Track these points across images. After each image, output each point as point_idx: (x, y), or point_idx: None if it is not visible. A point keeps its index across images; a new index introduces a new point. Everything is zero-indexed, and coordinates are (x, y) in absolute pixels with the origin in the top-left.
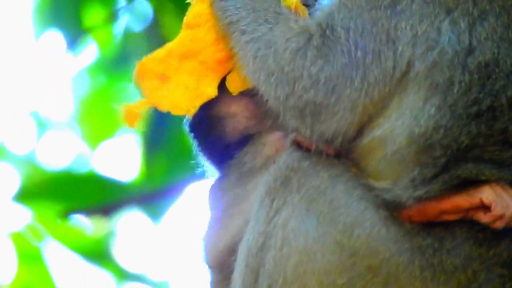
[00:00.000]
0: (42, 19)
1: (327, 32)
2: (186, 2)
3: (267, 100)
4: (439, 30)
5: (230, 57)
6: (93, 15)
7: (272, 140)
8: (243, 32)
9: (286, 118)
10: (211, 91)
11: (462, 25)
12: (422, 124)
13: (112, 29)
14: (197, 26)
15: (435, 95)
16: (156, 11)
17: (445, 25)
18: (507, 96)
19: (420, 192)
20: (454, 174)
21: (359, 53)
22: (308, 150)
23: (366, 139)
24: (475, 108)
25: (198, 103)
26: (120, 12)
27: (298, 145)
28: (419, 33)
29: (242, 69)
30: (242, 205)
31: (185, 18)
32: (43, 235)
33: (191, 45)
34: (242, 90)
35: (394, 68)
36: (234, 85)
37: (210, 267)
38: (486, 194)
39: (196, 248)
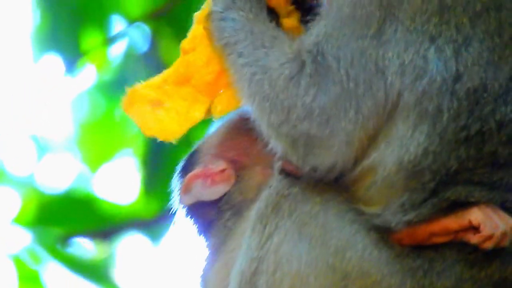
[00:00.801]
0: (40, 43)
1: (319, 58)
2: (183, 25)
3: (259, 125)
4: (425, 58)
5: (219, 79)
6: (91, 39)
7: (258, 171)
8: (240, 55)
9: (278, 145)
10: (199, 115)
11: (448, 52)
12: (411, 151)
13: (110, 52)
14: (191, 50)
15: (424, 123)
16: (155, 34)
17: (431, 53)
18: (496, 119)
19: (409, 216)
20: (443, 196)
21: (351, 84)
22: (296, 177)
23: (356, 169)
24: (464, 133)
25: (186, 127)
26: (118, 36)
27: (285, 173)
28: (406, 62)
29: (237, 91)
30: (239, 239)
31: (181, 43)
32: (42, 258)
33: (185, 70)
34: (224, 114)
35: (386, 99)
36: (220, 109)
37: None
38: (475, 215)
39: (195, 275)
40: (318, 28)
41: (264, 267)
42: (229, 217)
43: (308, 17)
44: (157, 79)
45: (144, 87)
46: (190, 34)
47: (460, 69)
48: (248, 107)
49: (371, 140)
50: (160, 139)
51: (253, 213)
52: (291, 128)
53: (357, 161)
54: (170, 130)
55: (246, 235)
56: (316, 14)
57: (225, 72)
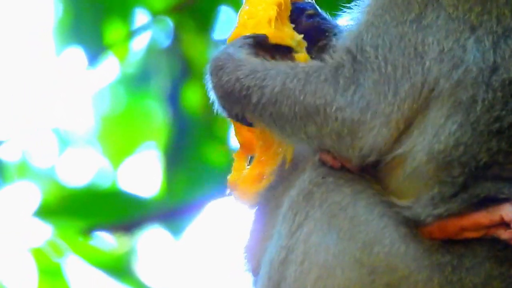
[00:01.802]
0: (63, 36)
1: (358, 57)
2: (206, 19)
3: (303, 147)
4: (464, 48)
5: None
6: (114, 32)
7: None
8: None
9: (324, 148)
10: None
11: (487, 43)
12: (443, 141)
13: (132, 46)
14: None
15: (458, 113)
16: (177, 28)
17: (470, 43)
18: None
19: (439, 210)
20: (473, 193)
21: (389, 68)
22: (332, 168)
23: (389, 157)
24: (497, 125)
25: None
26: (141, 29)
27: (323, 164)
28: (445, 50)
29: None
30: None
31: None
32: (64, 250)
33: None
34: None
35: (422, 84)
36: None
37: (254, 274)
38: (506, 211)
39: (234, 258)
40: (358, 20)
41: (293, 257)
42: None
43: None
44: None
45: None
46: None
47: (497, 60)
48: (281, 138)
49: (407, 125)
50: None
51: (285, 200)
52: (333, 122)
53: (393, 145)
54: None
55: (278, 223)
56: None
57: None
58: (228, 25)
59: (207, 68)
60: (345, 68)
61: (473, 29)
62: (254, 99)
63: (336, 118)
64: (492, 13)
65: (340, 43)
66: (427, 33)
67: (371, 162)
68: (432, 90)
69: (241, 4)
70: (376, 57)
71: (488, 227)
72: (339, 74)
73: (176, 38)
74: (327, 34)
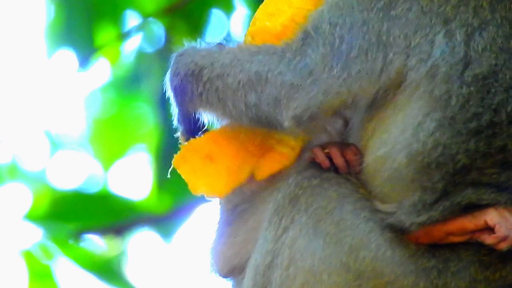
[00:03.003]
0: (54, 38)
1: (311, 33)
2: (198, 21)
3: (242, 122)
4: (432, 43)
5: (266, 140)
6: (105, 34)
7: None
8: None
9: (262, 118)
10: (245, 175)
11: (458, 37)
12: (422, 140)
13: (123, 49)
14: None
15: (435, 110)
16: (169, 30)
17: (439, 38)
18: (507, 111)
19: (422, 218)
20: (454, 200)
21: (343, 46)
22: (321, 167)
23: (371, 157)
24: (474, 123)
25: (233, 186)
26: (132, 31)
27: (313, 162)
28: (412, 45)
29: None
30: (253, 216)
31: None
32: (54, 253)
33: (236, 129)
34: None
35: (381, 70)
36: (262, 173)
37: (221, 275)
38: (491, 216)
39: (205, 261)
40: (320, 9)
41: (279, 261)
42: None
43: None
44: (211, 133)
45: (196, 142)
46: None
47: (470, 54)
48: (230, 122)
49: (386, 124)
50: (206, 195)
51: (270, 204)
52: (272, 86)
53: (371, 147)
54: (218, 187)
55: (263, 227)
56: None
57: (271, 134)
58: (219, 28)
59: (170, 63)
60: (295, 43)
61: (445, 23)
62: (205, 77)
63: (275, 82)
64: (470, 4)
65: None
66: (394, 24)
67: (304, 124)
68: (398, 82)
69: (233, 7)
70: (331, 34)
71: (473, 231)
72: (287, 49)
73: (168, 41)
74: None
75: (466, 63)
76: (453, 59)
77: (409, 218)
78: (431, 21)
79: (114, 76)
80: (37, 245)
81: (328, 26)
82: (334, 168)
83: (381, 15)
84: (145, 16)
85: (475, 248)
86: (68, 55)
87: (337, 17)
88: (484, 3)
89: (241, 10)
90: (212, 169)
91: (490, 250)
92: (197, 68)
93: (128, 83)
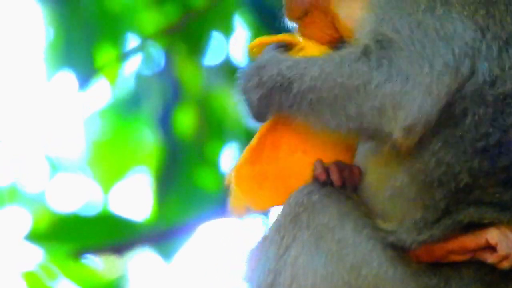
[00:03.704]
0: (54, 59)
1: (381, 39)
2: (198, 42)
3: (342, 131)
4: (480, 52)
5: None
6: (105, 55)
7: None
8: (288, 107)
9: (367, 128)
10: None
11: (495, 51)
12: (425, 159)
13: (123, 70)
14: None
15: (445, 128)
16: (169, 51)
17: (484, 48)
18: None
19: (423, 236)
20: (456, 218)
21: (417, 46)
22: (324, 184)
23: (373, 176)
24: (482, 143)
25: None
26: (132, 52)
27: (316, 179)
28: (469, 43)
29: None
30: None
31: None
32: (56, 274)
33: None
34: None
35: (456, 67)
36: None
37: None
38: (492, 234)
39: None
40: (368, 20)
41: (281, 279)
42: None
43: None
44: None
45: (246, 163)
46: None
47: (497, 72)
48: (316, 128)
49: (448, 101)
50: (264, 209)
51: (272, 225)
52: (374, 98)
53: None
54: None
55: (264, 246)
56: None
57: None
58: (219, 50)
59: (242, 74)
60: (372, 47)
61: (483, 32)
62: (295, 88)
63: (377, 95)
64: (496, 17)
65: (357, 39)
66: (444, 22)
67: (415, 138)
68: (468, 77)
69: (232, 29)
70: (400, 38)
71: (475, 250)
72: (369, 53)
73: (168, 62)
74: None
75: (493, 81)
76: (488, 77)
77: (410, 236)
78: (473, 26)
79: (114, 98)
80: (39, 266)
81: (392, 32)
82: (331, 184)
83: (428, 15)
84: (145, 37)
85: (476, 267)
86: (68, 77)
87: (393, 24)
88: (508, 18)
89: (240, 32)
90: (267, 185)
91: (492, 268)
92: (285, 80)
93: (128, 105)
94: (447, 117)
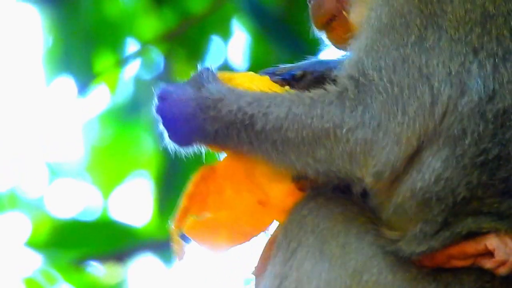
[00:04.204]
0: (53, 65)
1: (361, 80)
2: (197, 48)
3: (308, 172)
4: (469, 73)
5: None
6: (104, 61)
7: None
8: (249, 147)
9: (335, 171)
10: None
11: (488, 67)
12: (426, 178)
13: (122, 76)
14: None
15: (445, 147)
16: (168, 57)
17: (475, 67)
18: None
19: (422, 247)
20: (454, 230)
21: (395, 89)
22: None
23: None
24: (481, 158)
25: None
26: (131, 58)
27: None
28: (452, 72)
29: (269, 164)
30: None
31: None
32: (56, 280)
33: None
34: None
35: (432, 103)
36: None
37: None
38: (491, 240)
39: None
40: (356, 46)
41: (287, 284)
42: None
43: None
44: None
45: (189, 211)
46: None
47: (495, 87)
48: (286, 168)
49: (421, 143)
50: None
51: (279, 233)
52: (345, 143)
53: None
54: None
55: (273, 251)
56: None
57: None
58: (217, 55)
59: (189, 108)
60: (349, 91)
61: (475, 52)
62: (258, 126)
63: (348, 140)
64: (492, 34)
65: (340, 71)
66: (430, 55)
67: (385, 183)
68: (450, 113)
69: (231, 33)
70: (381, 79)
71: (474, 256)
72: (344, 97)
73: (167, 67)
74: (325, 79)
75: (491, 98)
76: (484, 93)
77: (409, 247)
78: (463, 49)
79: (113, 103)
80: (39, 272)
81: (374, 71)
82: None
83: (416, 49)
84: (144, 43)
85: (477, 274)
86: (67, 82)
87: (377, 60)
88: (505, 31)
89: (239, 36)
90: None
91: (493, 276)
92: (247, 117)
93: (127, 110)
94: (447, 138)
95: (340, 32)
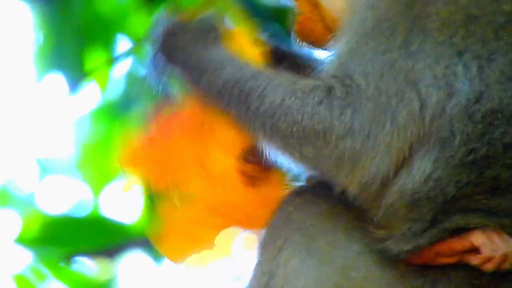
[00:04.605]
0: (44, 62)
1: (347, 81)
2: None
3: (292, 163)
4: (455, 75)
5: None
6: (95, 58)
7: None
8: (238, 116)
9: (320, 171)
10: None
11: (474, 69)
12: (416, 180)
13: (113, 73)
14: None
15: (434, 148)
16: None
17: (460, 69)
18: (503, 142)
19: (410, 245)
20: (442, 227)
21: (383, 98)
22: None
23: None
24: (470, 157)
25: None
26: (122, 56)
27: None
28: (439, 76)
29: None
30: None
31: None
32: (46, 276)
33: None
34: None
35: (421, 109)
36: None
37: None
38: (477, 237)
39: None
40: (341, 49)
41: (274, 282)
42: None
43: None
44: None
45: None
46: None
47: (482, 88)
48: (273, 152)
49: (412, 152)
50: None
51: (265, 230)
52: (334, 148)
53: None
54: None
55: (257, 250)
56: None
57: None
58: None
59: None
60: (336, 89)
61: (460, 54)
62: (254, 104)
63: (337, 145)
64: (476, 35)
65: (323, 71)
66: (416, 59)
67: (371, 194)
68: (439, 117)
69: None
70: (368, 85)
71: (461, 252)
72: (332, 96)
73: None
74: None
75: (478, 99)
76: (471, 95)
77: (397, 246)
78: (448, 52)
79: (104, 100)
80: (29, 268)
81: (361, 77)
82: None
83: (402, 53)
84: (135, 40)
85: (465, 271)
86: (57, 80)
87: (363, 65)
88: (489, 32)
89: None
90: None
91: (481, 274)
92: (243, 95)
93: (118, 108)
94: (436, 140)
95: (309, 28)
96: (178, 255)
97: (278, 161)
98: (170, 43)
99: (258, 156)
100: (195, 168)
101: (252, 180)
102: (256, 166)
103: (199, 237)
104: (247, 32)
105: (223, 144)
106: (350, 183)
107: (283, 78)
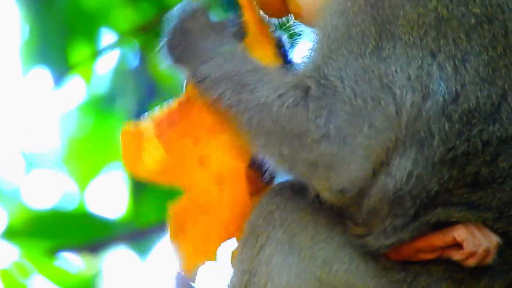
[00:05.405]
0: (29, 56)
1: (322, 81)
2: None
3: (271, 163)
4: (429, 75)
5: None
6: (80, 52)
7: None
8: (228, 106)
9: (295, 174)
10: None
11: (449, 69)
12: (397, 179)
13: (98, 67)
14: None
15: (412, 149)
16: (144, 48)
17: (434, 70)
18: (482, 139)
19: (390, 240)
20: (423, 220)
21: (359, 101)
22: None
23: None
24: (450, 155)
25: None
26: (107, 49)
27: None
28: (412, 77)
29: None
30: None
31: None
32: (31, 271)
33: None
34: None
35: (397, 112)
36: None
37: None
38: (459, 232)
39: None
40: (314, 54)
41: (256, 279)
42: None
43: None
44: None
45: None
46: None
47: (458, 88)
48: (256, 151)
49: (389, 156)
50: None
51: (246, 228)
52: (309, 152)
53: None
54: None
55: (238, 249)
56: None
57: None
58: None
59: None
60: (312, 89)
61: (433, 55)
62: (245, 97)
63: (312, 150)
64: (448, 36)
65: (302, 70)
66: (389, 63)
67: (345, 200)
68: (415, 118)
69: None
70: (344, 89)
71: (442, 248)
72: (309, 97)
73: (143, 59)
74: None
75: (454, 99)
76: (447, 95)
77: (377, 241)
78: (419, 53)
79: (89, 95)
80: (14, 264)
81: (337, 80)
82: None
83: (375, 58)
84: (120, 34)
85: (446, 265)
86: (42, 74)
87: (338, 70)
88: (460, 33)
89: None
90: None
91: (463, 268)
92: (239, 86)
93: (103, 101)
94: (415, 141)
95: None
96: (190, 267)
97: (277, 176)
98: (187, 25)
99: (262, 168)
100: (202, 172)
101: (256, 190)
102: (261, 177)
103: (206, 250)
104: (261, 31)
105: (234, 150)
106: (324, 187)
107: (275, 74)
